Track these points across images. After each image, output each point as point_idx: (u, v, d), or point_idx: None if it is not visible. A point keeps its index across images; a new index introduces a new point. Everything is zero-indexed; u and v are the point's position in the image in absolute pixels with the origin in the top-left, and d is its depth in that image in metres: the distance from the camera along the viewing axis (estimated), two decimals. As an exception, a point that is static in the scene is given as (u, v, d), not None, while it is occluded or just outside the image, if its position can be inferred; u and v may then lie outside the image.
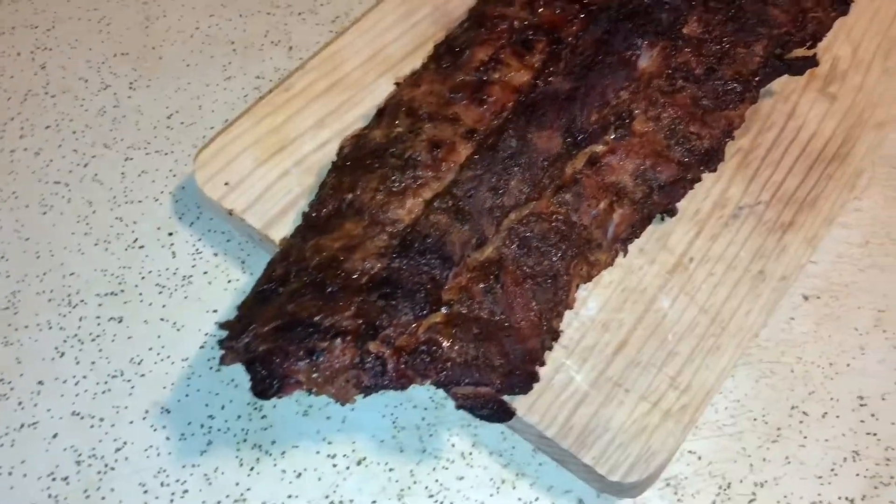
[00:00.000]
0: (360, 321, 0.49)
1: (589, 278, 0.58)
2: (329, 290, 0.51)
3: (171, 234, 0.68)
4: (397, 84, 0.64)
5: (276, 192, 0.63)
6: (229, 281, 0.65)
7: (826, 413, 0.60)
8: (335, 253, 0.53)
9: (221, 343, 0.50)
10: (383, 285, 0.51)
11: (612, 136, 0.60)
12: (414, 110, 0.60)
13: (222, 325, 0.51)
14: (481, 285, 0.53)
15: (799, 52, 0.67)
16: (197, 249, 0.66)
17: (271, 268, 0.55)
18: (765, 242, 0.62)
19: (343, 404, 0.49)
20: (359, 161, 0.59)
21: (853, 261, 0.67)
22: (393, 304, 0.50)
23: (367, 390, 0.49)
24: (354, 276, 0.52)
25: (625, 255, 0.59)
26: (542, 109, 0.59)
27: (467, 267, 0.54)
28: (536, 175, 0.57)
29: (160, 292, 0.64)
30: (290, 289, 0.52)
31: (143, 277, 0.65)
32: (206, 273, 0.65)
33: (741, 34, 0.65)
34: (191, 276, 0.65)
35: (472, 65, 0.62)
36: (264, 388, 0.47)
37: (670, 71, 0.63)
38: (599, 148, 0.60)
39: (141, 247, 0.67)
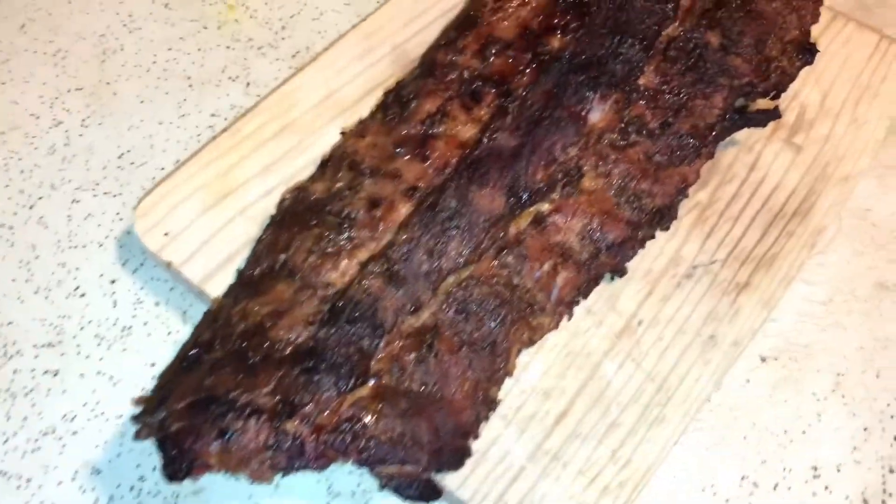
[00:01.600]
0: (278, 398, 0.47)
1: (531, 343, 0.55)
2: (251, 361, 0.49)
3: (113, 281, 0.65)
4: (343, 133, 0.62)
5: (218, 242, 0.61)
6: (169, 333, 0.63)
7: (777, 484, 0.58)
8: (261, 319, 0.51)
9: (136, 418, 0.48)
10: (307, 358, 0.49)
11: (558, 195, 0.57)
12: (356, 164, 0.58)
13: (137, 401, 0.48)
14: (413, 354, 0.51)
15: (761, 102, 0.64)
16: (139, 298, 0.64)
17: (198, 331, 0.53)
18: (718, 305, 0.59)
19: (261, 484, 0.47)
20: (297, 216, 0.57)
21: (815, 319, 0.64)
22: (315, 378, 0.48)
23: (285, 471, 0.46)
24: (278, 347, 0.50)
25: (569, 319, 0.57)
26: (485, 167, 0.56)
27: (401, 334, 0.52)
28: (477, 236, 0.55)
29: (98, 344, 0.62)
30: (212, 357, 0.50)
31: (82, 328, 0.63)
32: (146, 324, 0.63)
33: (700, 85, 0.62)
34: (131, 326, 0.63)
35: (418, 117, 0.59)
36: (174, 469, 0.45)
37: (623, 125, 0.60)
38: (545, 207, 0.57)
39: (82, 295, 0.65)
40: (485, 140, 0.57)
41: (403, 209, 0.55)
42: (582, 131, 0.58)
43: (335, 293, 0.52)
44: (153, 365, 0.61)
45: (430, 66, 0.61)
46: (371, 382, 0.49)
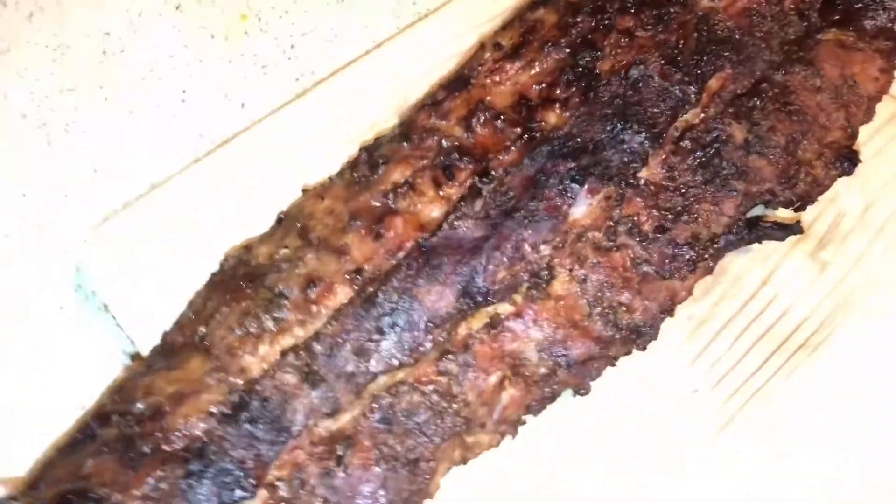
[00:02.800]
0: (150, 505, 0.42)
1: (463, 462, 0.49)
2: (139, 450, 0.44)
3: (61, 307, 0.62)
4: (304, 191, 0.56)
5: (162, 291, 0.56)
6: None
7: None
8: (163, 401, 0.46)
9: (8, 499, 0.44)
10: (196, 458, 0.44)
11: (521, 297, 0.50)
12: (306, 231, 0.52)
13: (8, 483, 0.44)
14: (320, 466, 0.45)
15: (783, 211, 0.56)
16: (76, 334, 0.61)
17: (102, 399, 0.49)
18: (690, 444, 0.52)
19: None
20: (233, 281, 0.52)
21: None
22: (196, 485, 0.43)
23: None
24: (172, 438, 0.45)
25: (513, 438, 0.50)
26: (438, 259, 0.50)
27: (311, 439, 0.46)
28: (417, 337, 0.48)
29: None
30: (105, 434, 0.46)
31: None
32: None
33: (711, 186, 0.54)
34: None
35: (382, 186, 0.53)
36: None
37: (612, 223, 0.52)
38: (504, 309, 0.50)
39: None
40: (446, 226, 0.50)
41: (342, 294, 0.49)
42: (559, 228, 0.51)
43: (246, 382, 0.47)
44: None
45: (408, 128, 0.55)
46: (262, 495, 0.44)
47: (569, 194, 0.51)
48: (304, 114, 0.65)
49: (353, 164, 0.56)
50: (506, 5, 0.65)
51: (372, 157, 0.55)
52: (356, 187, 0.53)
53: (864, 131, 0.57)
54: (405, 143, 0.54)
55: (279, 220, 0.55)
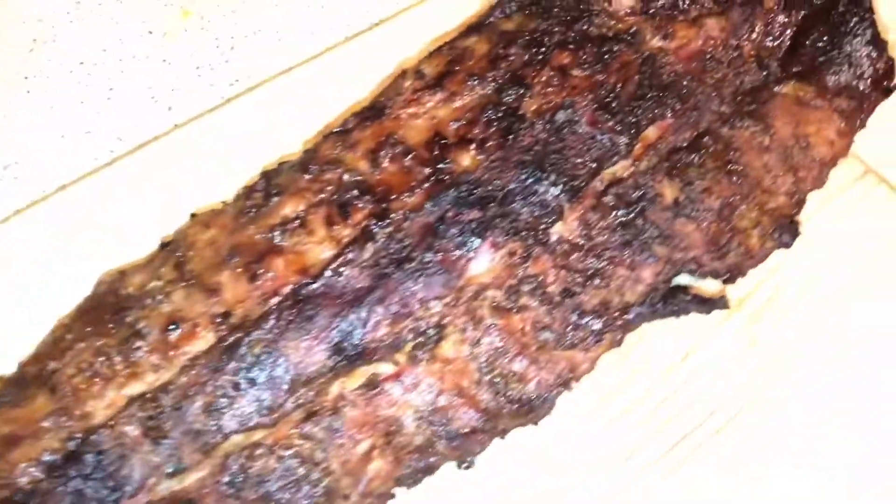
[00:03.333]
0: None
1: (322, 534, 0.45)
2: (-43, 497, 0.40)
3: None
4: (193, 216, 0.52)
5: (36, 307, 0.52)
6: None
7: None
8: (-5, 443, 0.42)
9: None
10: (12, 513, 0.40)
11: (404, 357, 0.46)
12: (183, 263, 0.48)
13: None
14: (153, 530, 0.41)
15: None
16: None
17: (-61, 430, 0.45)
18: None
19: None
20: (99, 311, 0.47)
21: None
22: (5, 546, 0.39)
23: None
24: (-6, 486, 0.41)
25: (382, 511, 0.46)
26: (315, 309, 0.45)
27: (152, 499, 0.42)
28: (279, 396, 0.44)
29: None
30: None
31: None
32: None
33: (629, 250, 0.49)
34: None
35: (271, 219, 0.48)
36: None
37: (514, 282, 0.47)
38: (384, 369, 0.46)
39: None
40: (329, 272, 0.46)
41: (203, 340, 0.45)
42: (454, 284, 0.46)
43: (85, 431, 0.42)
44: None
45: (307, 159, 0.50)
46: (82, 559, 0.40)
47: (469, 247, 0.46)
48: (231, 122, 0.61)
49: (248, 191, 0.51)
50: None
51: (269, 185, 0.50)
52: (245, 218, 0.49)
53: (831, 186, 0.52)
54: (304, 174, 0.49)
55: (162, 246, 0.50)
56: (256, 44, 0.71)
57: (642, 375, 0.50)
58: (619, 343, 0.47)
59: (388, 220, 0.47)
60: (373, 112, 0.51)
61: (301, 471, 0.43)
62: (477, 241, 0.46)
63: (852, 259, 0.54)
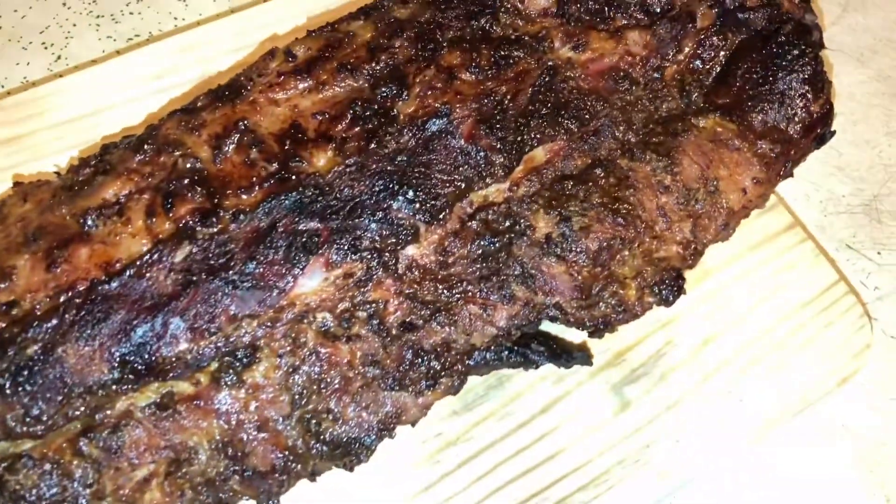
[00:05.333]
0: None
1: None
2: None
3: None
4: (16, 184, 0.46)
5: None
6: None
7: None
8: None
9: None
10: None
11: (206, 379, 0.40)
12: (-15, 239, 0.42)
13: None
14: None
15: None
16: None
17: None
18: None
19: None
20: None
21: None
22: None
23: None
24: None
25: (158, 545, 0.40)
26: (105, 311, 0.39)
27: None
28: (51, 404, 0.38)
29: None
30: None
31: None
32: None
33: (486, 285, 0.42)
34: None
35: (91, 200, 0.42)
36: None
37: (348, 307, 0.41)
38: (182, 388, 0.40)
39: None
40: (131, 270, 0.40)
41: (-20, 332, 0.39)
42: (273, 302, 0.40)
43: None
44: None
45: (149, 135, 0.44)
46: None
47: (298, 263, 0.40)
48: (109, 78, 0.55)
49: (82, 164, 0.45)
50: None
51: (102, 160, 0.44)
52: (65, 195, 0.43)
53: (750, 232, 0.46)
54: (136, 153, 0.43)
55: (-23, 215, 0.44)
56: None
57: (494, 424, 0.44)
58: (455, 390, 0.41)
59: (214, 219, 0.41)
60: (228, 92, 0.45)
61: (67, 490, 0.37)
62: (308, 258, 0.40)
63: (759, 320, 0.48)
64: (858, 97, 0.63)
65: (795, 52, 0.46)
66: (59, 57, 0.60)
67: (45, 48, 0.61)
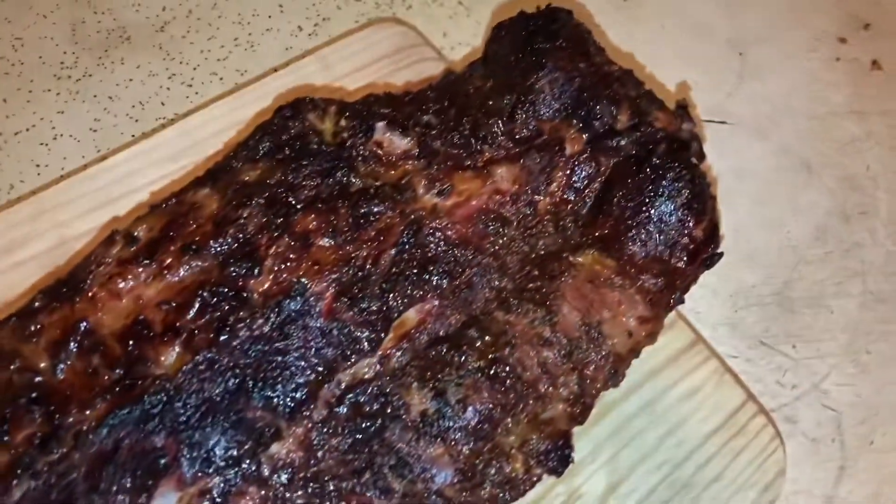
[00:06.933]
0: None
1: None
2: None
3: None
4: None
5: None
6: None
7: None
8: None
9: None
10: None
11: None
12: None
13: None
14: None
15: (469, 511, 0.41)
16: None
17: None
18: None
19: None
20: None
21: None
22: None
23: None
24: None
25: None
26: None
27: None
28: None
29: None
30: None
31: None
32: None
33: (360, 479, 0.39)
34: None
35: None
36: None
37: (211, 525, 0.38)
38: None
39: None
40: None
41: None
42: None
43: None
44: None
45: (-20, 349, 0.41)
46: None
47: (145, 487, 0.37)
48: None
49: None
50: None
51: (-67, 380, 0.41)
52: None
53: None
54: (-31, 372, 0.40)
55: None
56: (30, 141, 0.61)
57: None
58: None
59: (54, 444, 0.37)
60: (65, 290, 0.41)
61: None
62: (157, 480, 0.37)
63: (665, 457, 0.45)
64: (762, 174, 0.61)
65: (671, 174, 0.44)
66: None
67: None
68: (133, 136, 0.61)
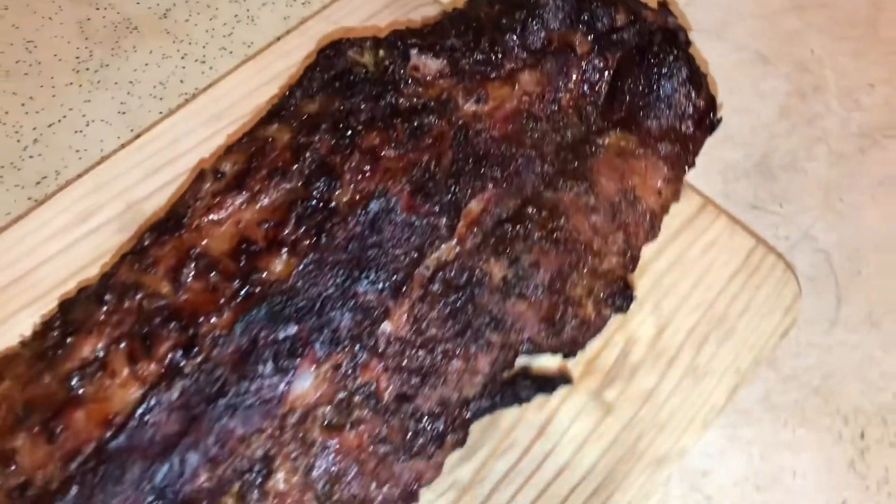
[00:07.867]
0: None
1: None
2: None
3: None
4: (-15, 365, 0.47)
5: None
6: None
7: None
8: None
9: None
10: None
11: (232, 499, 0.42)
12: (-28, 429, 0.43)
13: None
14: None
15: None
16: None
17: None
18: None
19: None
20: None
21: None
22: None
23: None
24: None
25: None
26: (120, 466, 0.41)
27: None
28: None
29: None
30: None
31: None
32: None
33: (462, 340, 0.46)
34: None
35: (70, 363, 0.44)
36: None
37: (345, 395, 0.45)
38: (212, 518, 0.42)
39: None
40: (133, 421, 0.42)
41: (-2, 521, 0.40)
42: (276, 412, 0.43)
43: None
44: None
45: (106, 283, 0.46)
46: None
47: (287, 370, 0.43)
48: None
49: (45, 328, 0.46)
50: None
51: (66, 320, 0.46)
52: (42, 363, 0.44)
53: (670, 226, 0.51)
54: (100, 305, 0.45)
55: (-47, 405, 0.45)
56: (63, 130, 0.66)
57: (498, 460, 0.48)
58: (462, 442, 0.45)
59: (195, 350, 0.43)
60: (170, 224, 0.47)
61: None
62: (295, 361, 0.43)
63: (699, 299, 0.53)
64: (726, 69, 0.70)
65: (670, 58, 0.52)
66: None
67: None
68: (160, 112, 0.66)
